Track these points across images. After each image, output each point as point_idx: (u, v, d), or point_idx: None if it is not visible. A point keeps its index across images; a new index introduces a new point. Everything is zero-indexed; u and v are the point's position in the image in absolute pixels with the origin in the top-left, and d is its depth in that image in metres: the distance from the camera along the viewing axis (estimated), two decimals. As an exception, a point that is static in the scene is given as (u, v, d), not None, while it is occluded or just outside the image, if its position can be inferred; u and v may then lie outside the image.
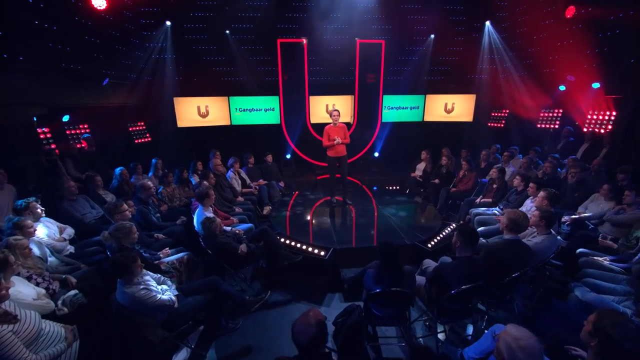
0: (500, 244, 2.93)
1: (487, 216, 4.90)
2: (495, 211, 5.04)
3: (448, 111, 8.84)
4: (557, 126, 7.78)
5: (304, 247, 4.19)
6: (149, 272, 2.84)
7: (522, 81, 7.61)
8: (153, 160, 6.23)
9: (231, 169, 6.19)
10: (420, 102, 8.81)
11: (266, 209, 6.02)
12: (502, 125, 8.50)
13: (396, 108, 8.79)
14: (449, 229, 4.75)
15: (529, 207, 4.37)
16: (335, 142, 5.33)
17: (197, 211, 4.08)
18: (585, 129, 6.92)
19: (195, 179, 5.98)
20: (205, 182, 4.68)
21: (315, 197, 6.36)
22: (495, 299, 3.08)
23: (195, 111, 8.09)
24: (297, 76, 8.02)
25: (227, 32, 7.74)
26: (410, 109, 8.87)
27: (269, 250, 3.93)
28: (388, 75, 8.44)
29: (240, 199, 5.75)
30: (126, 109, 7.14)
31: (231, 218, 4.71)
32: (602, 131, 6.45)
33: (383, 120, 8.68)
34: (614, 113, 6.47)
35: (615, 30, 5.04)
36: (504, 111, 8.49)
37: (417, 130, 8.88)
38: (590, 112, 6.88)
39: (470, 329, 3.26)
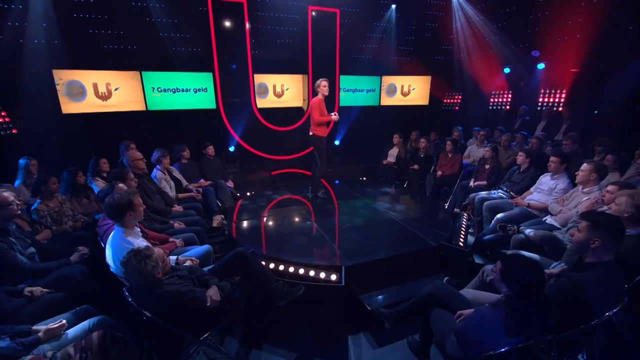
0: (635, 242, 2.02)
1: (496, 200, 4.19)
2: (501, 194, 4.39)
3: (404, 94, 8.25)
4: (508, 107, 7.87)
5: (302, 270, 2.75)
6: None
7: (489, 59, 7.39)
8: (21, 162, 3.95)
9: (158, 166, 4.28)
10: (376, 85, 7.99)
11: (217, 219, 4.31)
12: (458, 108, 8.29)
13: (352, 90, 7.81)
14: (464, 220, 3.88)
15: (551, 185, 3.75)
16: (333, 117, 4.39)
17: (112, 237, 2.28)
18: (539, 107, 7.03)
19: (98, 185, 3.91)
20: (121, 184, 2.82)
21: (280, 197, 4.90)
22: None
23: (91, 91, 5.70)
24: (237, 48, 6.34)
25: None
26: (367, 92, 7.99)
27: (252, 286, 2.40)
28: (347, 53, 7.34)
29: (177, 208, 3.94)
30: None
31: (171, 239, 2.96)
32: (559, 109, 6.54)
33: (340, 104, 7.60)
34: (564, 91, 6.64)
35: None
36: (459, 94, 8.29)
37: (374, 114, 8.05)
38: (543, 91, 7.00)
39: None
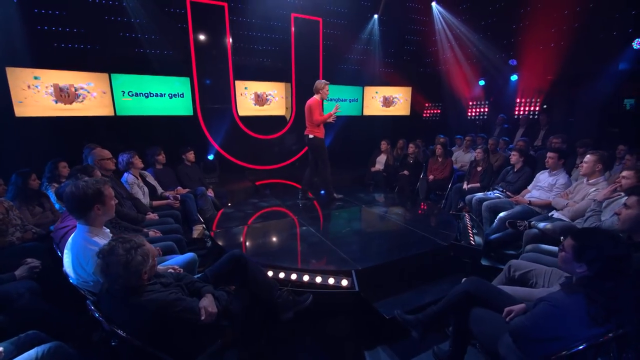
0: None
1: (494, 200, 4.07)
2: (497, 194, 4.29)
3: (387, 104, 8.26)
4: (486, 116, 8.10)
5: (306, 277, 2.37)
6: None
7: (469, 70, 7.60)
8: (-42, 166, 3.31)
9: (129, 171, 3.77)
10: (359, 95, 7.96)
11: (197, 229, 3.83)
12: (438, 118, 8.43)
13: (335, 100, 7.69)
14: (467, 220, 3.69)
15: (551, 181, 3.69)
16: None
17: (72, 238, 1.80)
18: (516, 115, 7.27)
19: (54, 191, 3.34)
20: (86, 178, 2.34)
21: (268, 204, 4.51)
22: None
23: (51, 93, 5.10)
24: (218, 53, 6.06)
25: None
26: (350, 102, 7.93)
27: (251, 296, 1.99)
28: (330, 62, 7.26)
29: (152, 215, 3.44)
30: None
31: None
32: (535, 116, 6.78)
33: (324, 113, 7.43)
34: (538, 100, 6.93)
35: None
36: (439, 104, 8.45)
37: (357, 124, 7.97)
38: (519, 99, 7.27)
39: None
